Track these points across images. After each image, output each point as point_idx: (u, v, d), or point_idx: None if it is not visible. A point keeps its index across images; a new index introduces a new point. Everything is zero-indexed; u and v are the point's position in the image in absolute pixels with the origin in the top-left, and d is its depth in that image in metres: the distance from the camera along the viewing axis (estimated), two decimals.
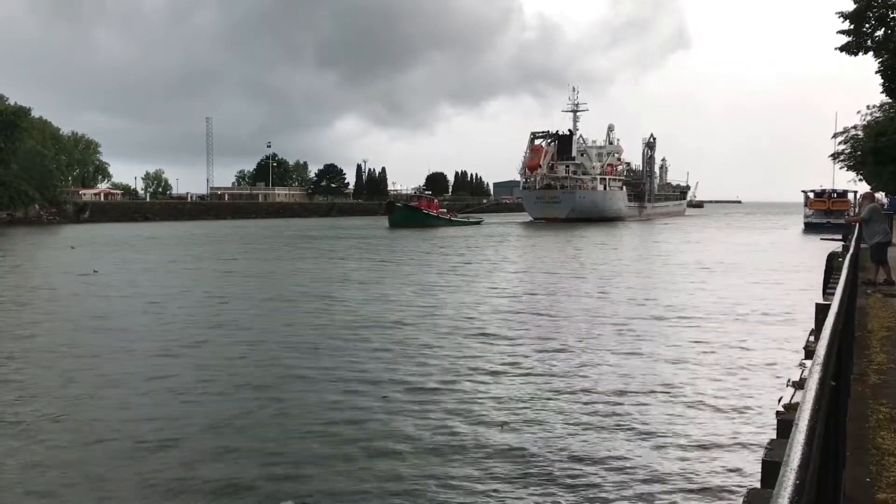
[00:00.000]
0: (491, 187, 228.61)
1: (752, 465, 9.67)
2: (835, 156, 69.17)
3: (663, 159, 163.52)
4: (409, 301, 26.15)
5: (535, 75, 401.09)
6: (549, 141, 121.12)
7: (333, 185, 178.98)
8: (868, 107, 58.96)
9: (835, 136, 68.19)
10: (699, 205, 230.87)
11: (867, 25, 23.22)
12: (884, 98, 40.49)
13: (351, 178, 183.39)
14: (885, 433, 4.94)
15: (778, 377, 14.07)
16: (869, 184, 61.45)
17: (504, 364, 16.22)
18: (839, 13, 23.29)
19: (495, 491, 9.35)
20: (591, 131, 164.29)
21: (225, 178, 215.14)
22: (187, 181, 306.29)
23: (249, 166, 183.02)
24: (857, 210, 38.47)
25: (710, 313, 23.34)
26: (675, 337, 19.52)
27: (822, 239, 50.95)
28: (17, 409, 12.79)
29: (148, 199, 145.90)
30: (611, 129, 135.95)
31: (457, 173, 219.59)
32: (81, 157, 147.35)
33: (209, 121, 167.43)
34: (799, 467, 1.85)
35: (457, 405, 13.05)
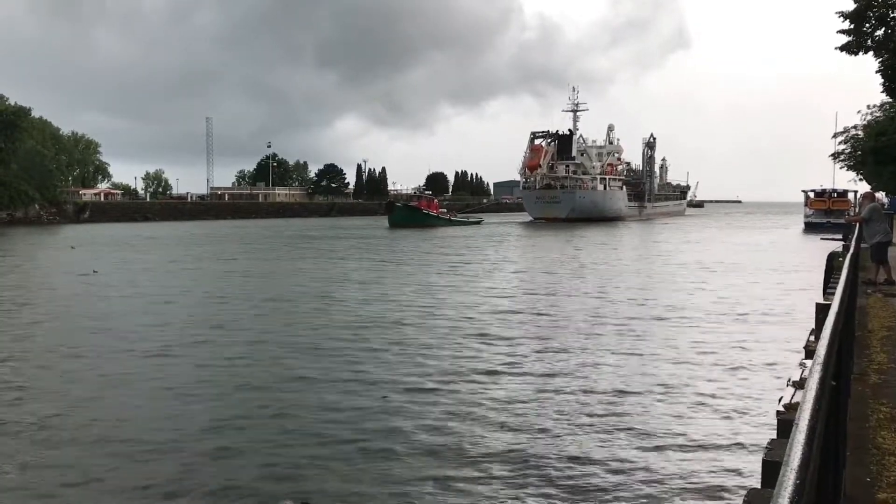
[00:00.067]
0: (491, 187, 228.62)
1: (752, 465, 9.66)
2: (835, 155, 69.20)
3: (663, 159, 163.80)
4: (409, 301, 26.15)
5: (535, 75, 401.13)
6: (549, 141, 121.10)
7: (333, 185, 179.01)
8: (868, 106, 59.00)
9: (835, 135, 68.25)
10: (699, 205, 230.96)
11: (867, 25, 23.21)
12: (884, 98, 40.47)
13: (351, 178, 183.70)
14: (886, 433, 4.93)
15: (778, 377, 14.06)
16: (869, 183, 61.44)
17: (503, 364, 16.21)
18: (839, 13, 23.29)
19: (495, 492, 9.34)
20: (591, 131, 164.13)
21: (225, 178, 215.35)
22: (187, 181, 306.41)
23: (249, 166, 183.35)
24: (857, 210, 38.46)
25: (710, 313, 23.33)
26: (675, 337, 19.51)
27: (822, 238, 50.98)
28: (17, 409, 12.78)
29: (148, 199, 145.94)
30: (611, 128, 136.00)
31: (457, 173, 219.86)
32: (81, 157, 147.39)
33: (209, 121, 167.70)
34: (799, 467, 1.84)
35: (456, 406, 13.04)
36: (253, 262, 42.40)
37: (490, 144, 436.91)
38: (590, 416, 12.45)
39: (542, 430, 11.64)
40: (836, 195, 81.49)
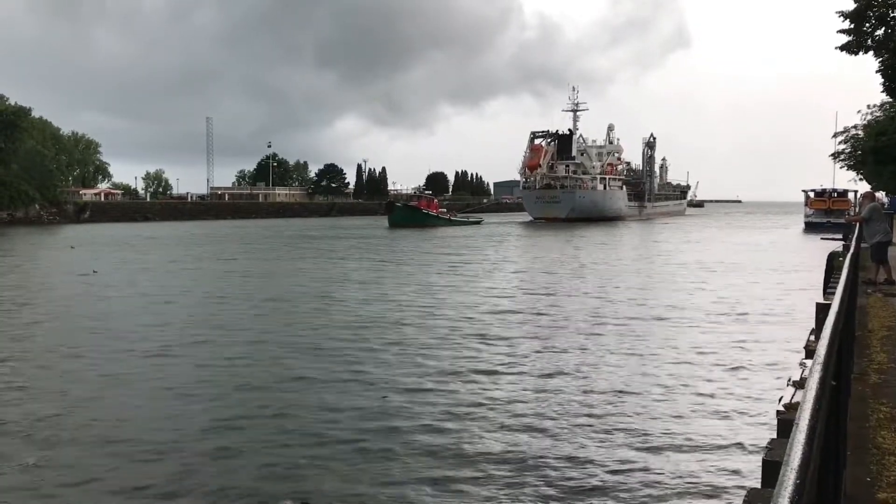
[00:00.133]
0: (491, 187, 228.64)
1: (752, 465, 9.66)
2: (835, 155, 69.18)
3: (663, 159, 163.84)
4: (409, 301, 26.14)
5: (535, 75, 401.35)
6: (549, 140, 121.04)
7: (334, 185, 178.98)
8: (868, 106, 59.01)
9: (835, 135, 68.24)
10: (699, 204, 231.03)
11: (867, 24, 23.20)
12: (884, 97, 40.45)
13: (351, 178, 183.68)
14: (886, 433, 4.93)
15: (778, 377, 14.05)
16: (869, 183, 61.41)
17: (503, 364, 16.21)
18: (839, 12, 23.28)
19: (494, 493, 9.34)
20: (591, 131, 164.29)
21: (225, 178, 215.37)
22: (187, 181, 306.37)
23: (250, 166, 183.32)
24: (857, 209, 38.46)
25: (710, 313, 23.33)
26: (675, 337, 19.50)
27: (822, 238, 50.97)
28: (17, 409, 12.77)
29: (148, 199, 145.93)
30: (611, 128, 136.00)
31: (457, 173, 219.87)
32: (81, 157, 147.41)
33: (209, 121, 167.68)
34: (799, 467, 1.84)
35: (456, 406, 13.04)
36: (253, 262, 42.40)
37: (490, 144, 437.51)
38: (589, 416, 12.44)
39: (542, 431, 11.63)
40: (836, 195, 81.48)
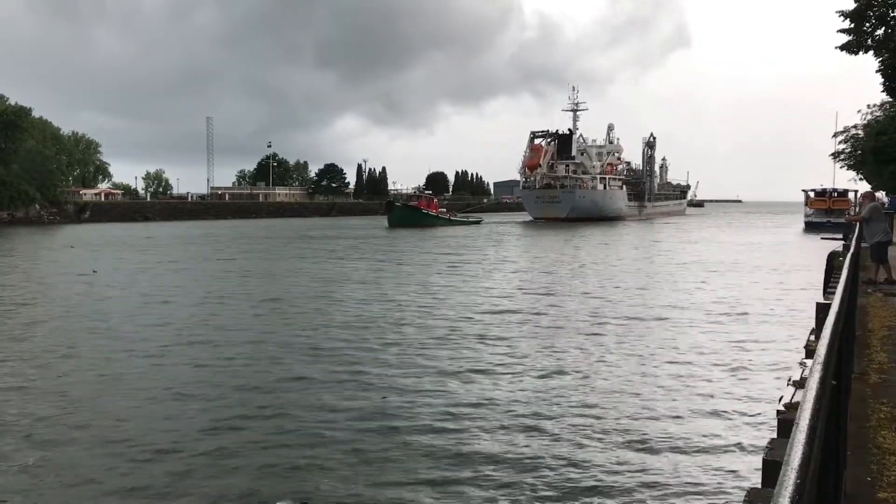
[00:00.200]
0: (491, 187, 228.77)
1: (752, 465, 9.65)
2: (835, 155, 69.26)
3: (663, 159, 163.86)
4: (409, 301, 26.13)
5: (535, 74, 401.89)
6: (548, 140, 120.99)
7: (334, 185, 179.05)
8: (868, 106, 59.11)
9: (835, 135, 68.33)
10: (699, 204, 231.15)
11: (867, 24, 23.21)
12: (884, 97, 40.48)
13: (351, 178, 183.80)
14: (886, 432, 4.92)
15: (778, 377, 14.04)
16: (869, 183, 61.43)
17: (502, 365, 16.19)
18: (839, 12, 23.29)
19: (494, 493, 9.32)
20: (591, 131, 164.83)
21: (225, 177, 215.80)
22: (188, 181, 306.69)
23: (250, 166, 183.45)
24: (857, 209, 38.46)
25: (710, 313, 23.32)
26: (674, 336, 19.49)
27: (822, 238, 50.90)
28: (17, 409, 12.77)
29: (148, 199, 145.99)
30: (611, 128, 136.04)
31: (457, 173, 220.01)
32: (82, 157, 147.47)
33: (209, 120, 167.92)
34: (800, 466, 1.83)
35: (455, 406, 13.03)
36: (253, 262, 42.39)
37: (490, 144, 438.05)
38: (589, 416, 12.43)
39: (541, 431, 11.62)
40: (836, 195, 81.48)
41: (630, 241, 65.52)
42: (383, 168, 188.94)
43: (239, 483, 9.57)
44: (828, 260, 20.20)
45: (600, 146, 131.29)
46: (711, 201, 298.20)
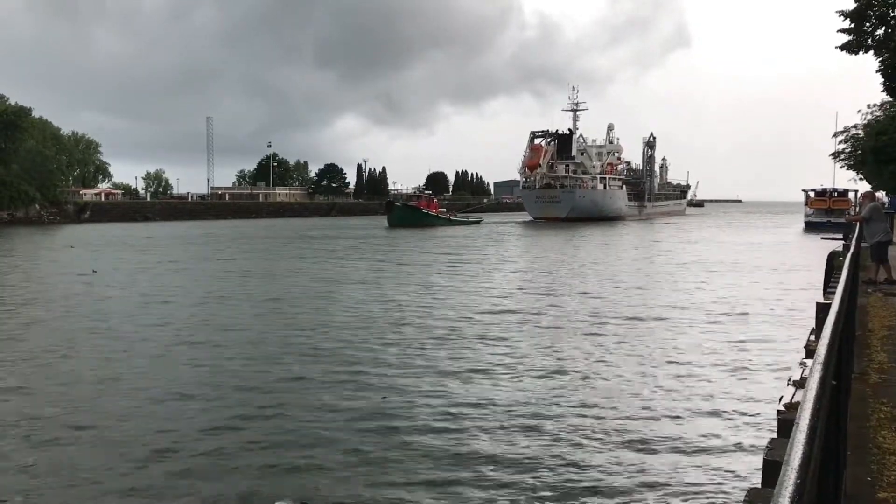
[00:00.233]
0: (491, 187, 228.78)
1: (752, 465, 9.65)
2: (835, 155, 69.23)
3: (663, 158, 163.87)
4: (409, 301, 26.13)
5: (535, 74, 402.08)
6: (548, 140, 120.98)
7: (334, 185, 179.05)
8: (868, 106, 59.09)
9: (835, 135, 68.30)
10: (699, 204, 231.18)
11: (867, 24, 23.21)
12: (884, 97, 40.47)
13: (351, 178, 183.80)
14: (886, 432, 4.92)
15: (778, 377, 14.04)
16: (869, 183, 61.42)
17: (502, 365, 16.19)
18: (839, 12, 23.29)
19: (493, 494, 9.32)
20: (591, 131, 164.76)
21: (225, 177, 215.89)
22: (188, 181, 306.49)
23: (250, 166, 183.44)
24: (857, 209, 38.46)
25: (710, 313, 23.31)
26: (674, 336, 19.49)
27: (822, 238, 50.91)
28: (17, 409, 12.76)
29: (148, 199, 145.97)
30: (611, 128, 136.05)
31: (457, 173, 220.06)
32: (82, 157, 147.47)
33: (209, 120, 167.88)
34: (800, 466, 1.83)
35: (455, 407, 13.02)
36: (253, 262, 42.39)
37: (490, 144, 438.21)
38: (589, 416, 12.43)
39: (541, 431, 11.62)
40: (836, 194, 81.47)
41: (630, 241, 65.52)
42: (383, 168, 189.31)
43: (239, 483, 9.57)
44: (828, 260, 20.20)
45: (600, 146, 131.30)
46: (711, 201, 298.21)
